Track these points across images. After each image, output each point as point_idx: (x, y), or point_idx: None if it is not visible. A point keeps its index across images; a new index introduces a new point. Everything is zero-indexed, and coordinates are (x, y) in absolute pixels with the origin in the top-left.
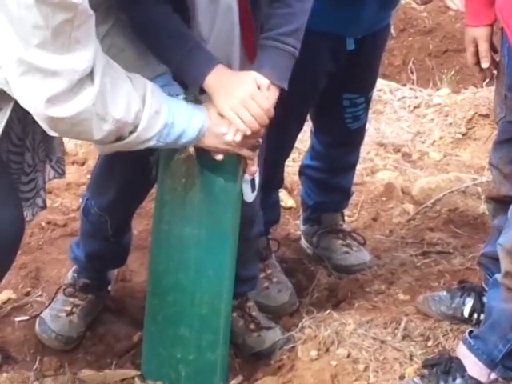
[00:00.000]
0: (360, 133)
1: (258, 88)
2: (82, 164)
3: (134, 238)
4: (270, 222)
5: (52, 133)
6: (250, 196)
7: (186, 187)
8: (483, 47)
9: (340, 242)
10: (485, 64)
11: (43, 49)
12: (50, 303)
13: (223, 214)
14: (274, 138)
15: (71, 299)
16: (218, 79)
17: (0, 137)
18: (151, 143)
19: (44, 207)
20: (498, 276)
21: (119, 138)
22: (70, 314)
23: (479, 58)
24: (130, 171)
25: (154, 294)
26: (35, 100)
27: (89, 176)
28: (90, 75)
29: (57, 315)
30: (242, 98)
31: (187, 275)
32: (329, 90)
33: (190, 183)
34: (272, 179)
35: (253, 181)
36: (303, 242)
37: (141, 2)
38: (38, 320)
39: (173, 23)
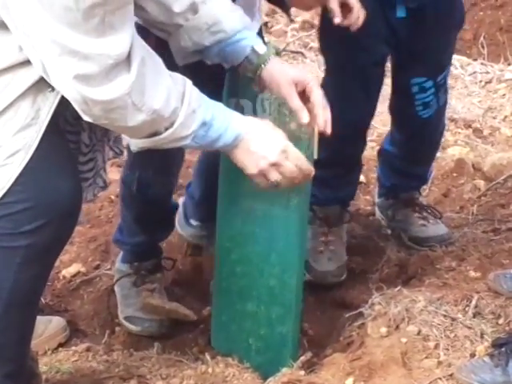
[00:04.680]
0: (433, 123)
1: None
2: None
3: None
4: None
5: (86, 117)
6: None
7: None
8: None
9: (417, 214)
10: None
11: (75, 30)
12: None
13: (289, 191)
14: (338, 107)
15: (145, 286)
16: None
17: (56, 116)
18: (186, 142)
19: (105, 187)
20: None
21: (154, 134)
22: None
23: None
24: None
25: (222, 267)
26: (65, 77)
27: None
28: (127, 63)
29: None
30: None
31: (255, 248)
32: (398, 76)
33: None
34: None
35: None
36: (378, 214)
37: None
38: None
39: None
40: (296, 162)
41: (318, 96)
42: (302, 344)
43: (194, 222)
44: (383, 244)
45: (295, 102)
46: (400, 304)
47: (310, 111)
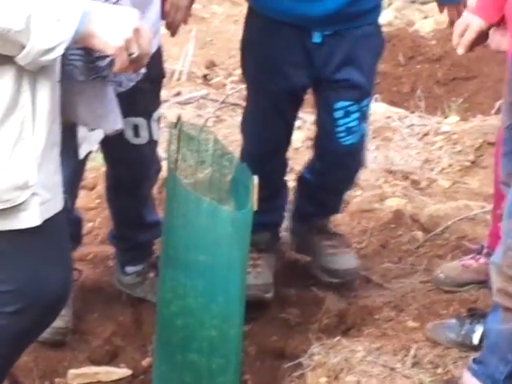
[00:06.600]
0: (352, 153)
1: None
2: (92, 189)
3: None
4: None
5: None
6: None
7: (193, 213)
8: (469, 35)
9: (328, 242)
10: (460, 50)
11: None
12: None
13: (230, 243)
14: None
15: None
16: None
17: None
18: (57, 52)
19: None
20: None
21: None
22: None
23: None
24: None
25: (163, 319)
26: None
27: (98, 201)
28: None
29: None
30: None
31: (196, 300)
32: (320, 105)
33: (197, 210)
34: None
35: (136, 127)
36: (288, 237)
37: None
38: None
39: None
40: (147, 34)
41: None
42: None
43: (128, 269)
44: (322, 294)
45: None
46: (339, 354)
47: None
